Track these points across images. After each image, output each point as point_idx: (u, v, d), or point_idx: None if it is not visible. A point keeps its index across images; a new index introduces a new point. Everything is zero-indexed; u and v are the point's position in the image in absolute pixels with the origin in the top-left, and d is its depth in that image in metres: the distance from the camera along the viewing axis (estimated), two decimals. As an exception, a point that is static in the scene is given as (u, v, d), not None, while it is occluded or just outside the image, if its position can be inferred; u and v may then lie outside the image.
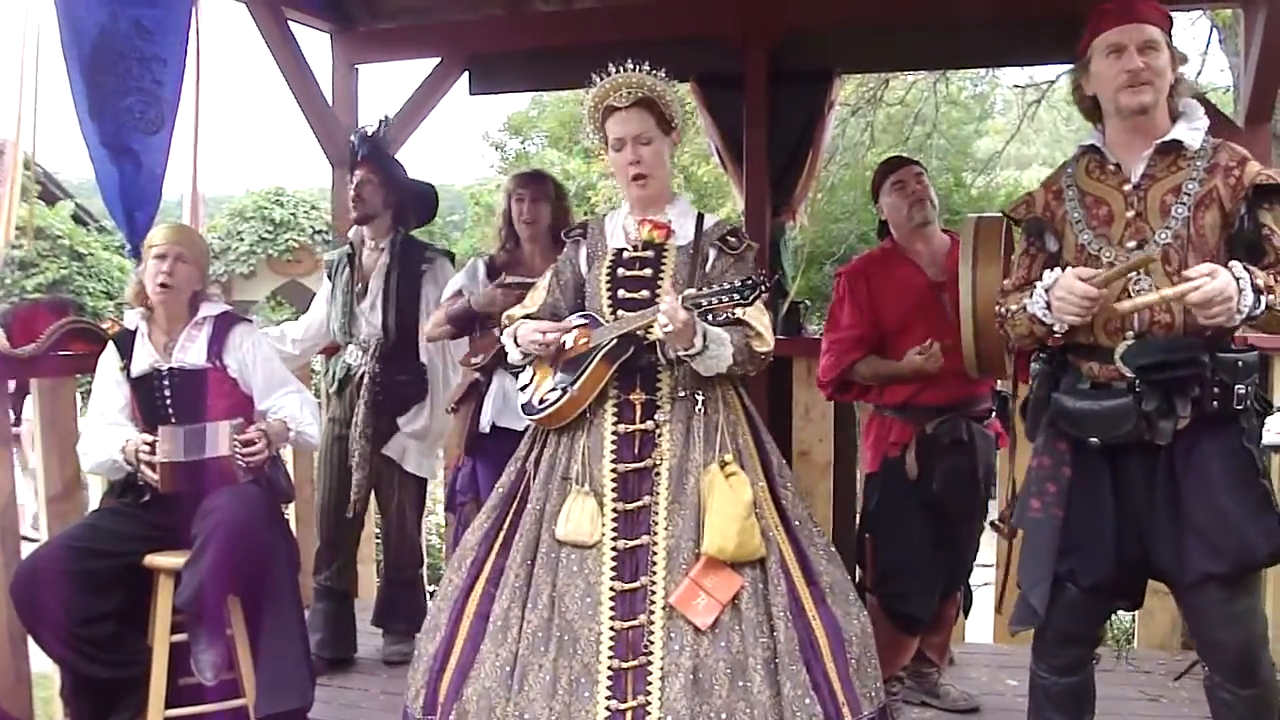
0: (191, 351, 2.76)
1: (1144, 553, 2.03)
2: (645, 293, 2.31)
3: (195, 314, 2.80)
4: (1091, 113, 2.14)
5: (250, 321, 2.94)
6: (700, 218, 2.41)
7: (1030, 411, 2.17)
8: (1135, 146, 2.05)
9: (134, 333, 2.79)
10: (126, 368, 2.74)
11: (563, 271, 2.49)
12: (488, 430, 3.12)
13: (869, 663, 2.22)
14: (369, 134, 3.40)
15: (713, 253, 2.37)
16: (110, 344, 2.81)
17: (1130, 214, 2.02)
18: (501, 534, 2.31)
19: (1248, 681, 2.00)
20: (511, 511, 2.32)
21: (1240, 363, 1.95)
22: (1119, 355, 1.98)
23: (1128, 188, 2.04)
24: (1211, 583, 1.95)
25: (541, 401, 2.33)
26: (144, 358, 2.75)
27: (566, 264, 2.49)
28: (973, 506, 2.87)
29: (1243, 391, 1.95)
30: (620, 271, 2.37)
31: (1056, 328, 2.01)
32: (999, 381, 2.79)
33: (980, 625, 3.67)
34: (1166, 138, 2.02)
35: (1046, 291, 1.99)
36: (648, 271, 2.34)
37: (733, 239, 2.38)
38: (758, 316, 2.26)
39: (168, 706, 2.61)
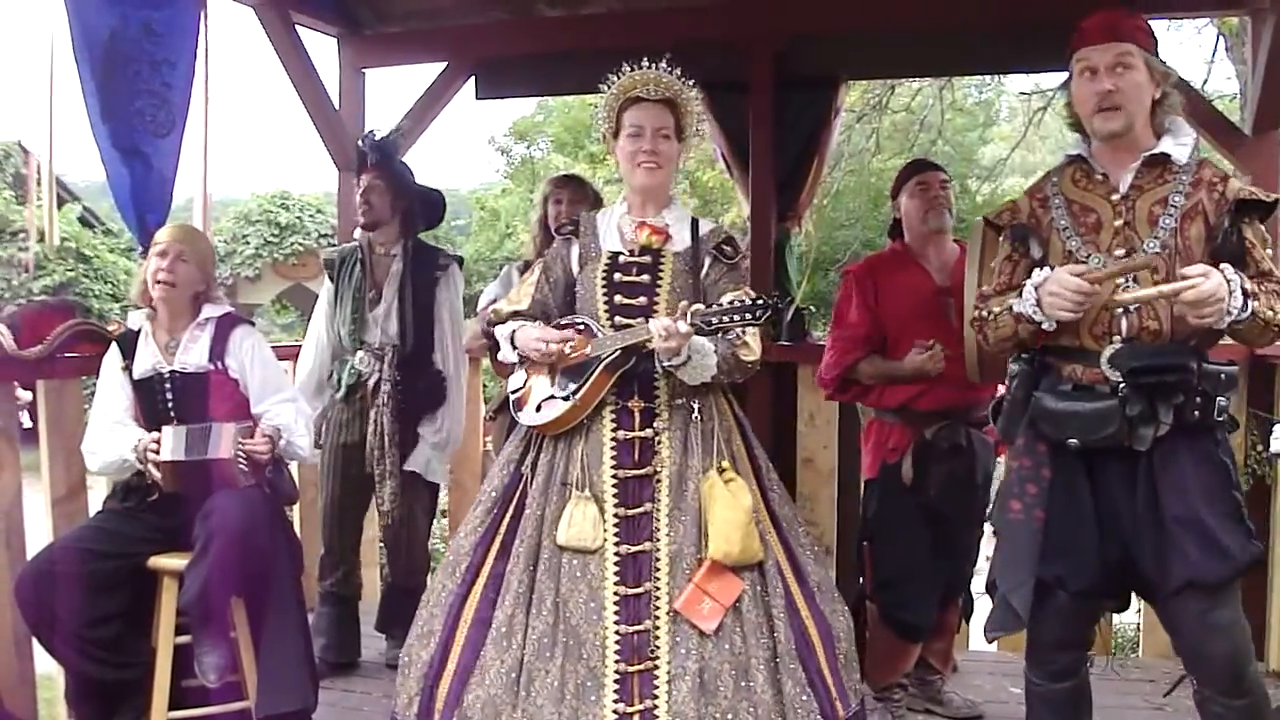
0: (194, 353, 2.75)
1: (1126, 555, 2.04)
2: (643, 299, 2.29)
3: (198, 315, 2.80)
4: (1079, 124, 2.15)
5: (252, 324, 2.94)
6: (695, 223, 2.40)
7: (1006, 412, 2.18)
8: (1121, 159, 2.08)
9: (137, 333, 2.78)
10: (129, 368, 2.74)
11: (552, 269, 2.45)
12: None
13: (853, 658, 2.32)
14: (377, 140, 3.37)
15: (708, 260, 2.36)
16: (113, 344, 2.80)
17: (1119, 223, 2.05)
18: (498, 539, 2.29)
19: (1237, 692, 2.01)
20: (508, 516, 2.30)
21: (1223, 375, 1.99)
22: (1105, 358, 2.00)
23: (1116, 197, 2.07)
24: (1190, 592, 1.96)
25: (539, 408, 2.32)
26: (146, 359, 2.74)
27: (556, 261, 2.46)
28: (971, 513, 2.87)
29: (1224, 403, 1.99)
30: (617, 276, 2.34)
31: (1046, 325, 2.02)
32: (1000, 388, 2.79)
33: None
34: (1154, 150, 2.04)
35: (1036, 289, 2.00)
36: (646, 278, 2.33)
37: (728, 248, 2.37)
38: None
39: (171, 708, 2.61)
